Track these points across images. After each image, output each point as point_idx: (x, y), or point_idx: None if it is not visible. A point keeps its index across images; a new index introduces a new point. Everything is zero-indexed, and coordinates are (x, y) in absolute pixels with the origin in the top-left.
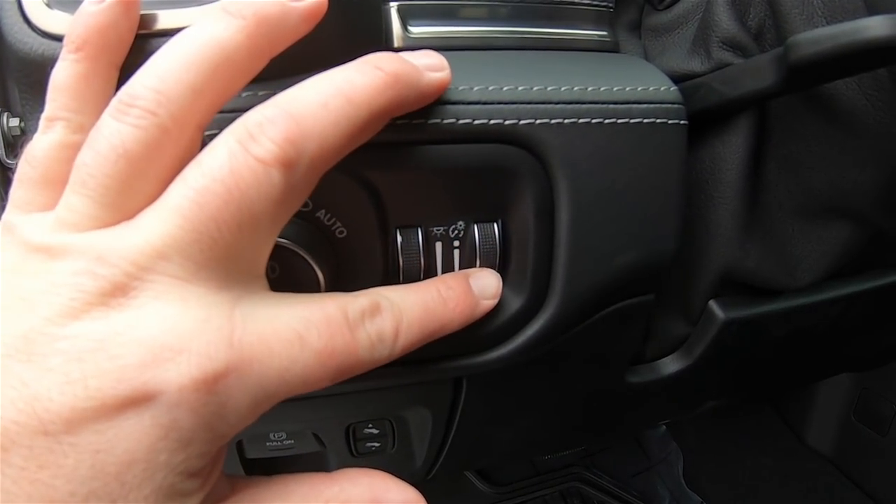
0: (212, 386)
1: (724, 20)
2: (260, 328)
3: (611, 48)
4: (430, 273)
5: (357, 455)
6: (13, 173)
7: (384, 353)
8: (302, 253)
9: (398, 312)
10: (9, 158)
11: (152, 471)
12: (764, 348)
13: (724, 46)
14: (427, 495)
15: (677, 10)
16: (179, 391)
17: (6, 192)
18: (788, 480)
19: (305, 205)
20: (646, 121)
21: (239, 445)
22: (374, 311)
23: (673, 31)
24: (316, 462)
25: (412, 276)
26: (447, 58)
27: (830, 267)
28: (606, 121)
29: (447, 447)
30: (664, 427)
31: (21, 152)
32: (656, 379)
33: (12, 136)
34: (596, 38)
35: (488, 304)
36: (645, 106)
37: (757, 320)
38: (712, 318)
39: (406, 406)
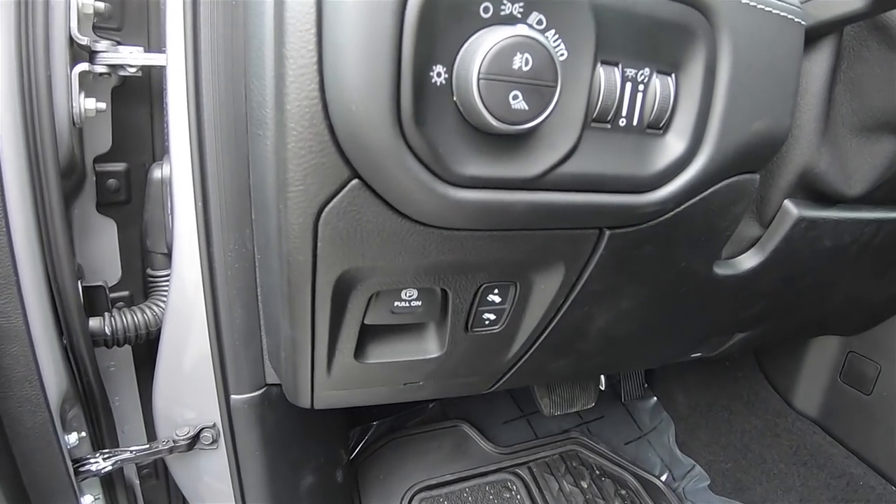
0: None
1: None
2: None
3: None
4: (617, 111)
5: (468, 331)
6: (85, 50)
7: None
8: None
9: None
10: (81, 34)
11: None
12: (812, 259)
13: None
14: (434, 456)
15: None
16: None
17: (71, 69)
18: (778, 440)
19: (539, 22)
20: (783, 13)
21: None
22: None
23: None
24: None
25: (604, 112)
26: None
27: (877, 178)
28: (760, 6)
29: (551, 326)
30: (655, 398)
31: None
32: (733, 274)
33: (85, 14)
34: None
35: None
36: (784, 3)
37: (817, 222)
38: (786, 215)
39: (547, 257)
